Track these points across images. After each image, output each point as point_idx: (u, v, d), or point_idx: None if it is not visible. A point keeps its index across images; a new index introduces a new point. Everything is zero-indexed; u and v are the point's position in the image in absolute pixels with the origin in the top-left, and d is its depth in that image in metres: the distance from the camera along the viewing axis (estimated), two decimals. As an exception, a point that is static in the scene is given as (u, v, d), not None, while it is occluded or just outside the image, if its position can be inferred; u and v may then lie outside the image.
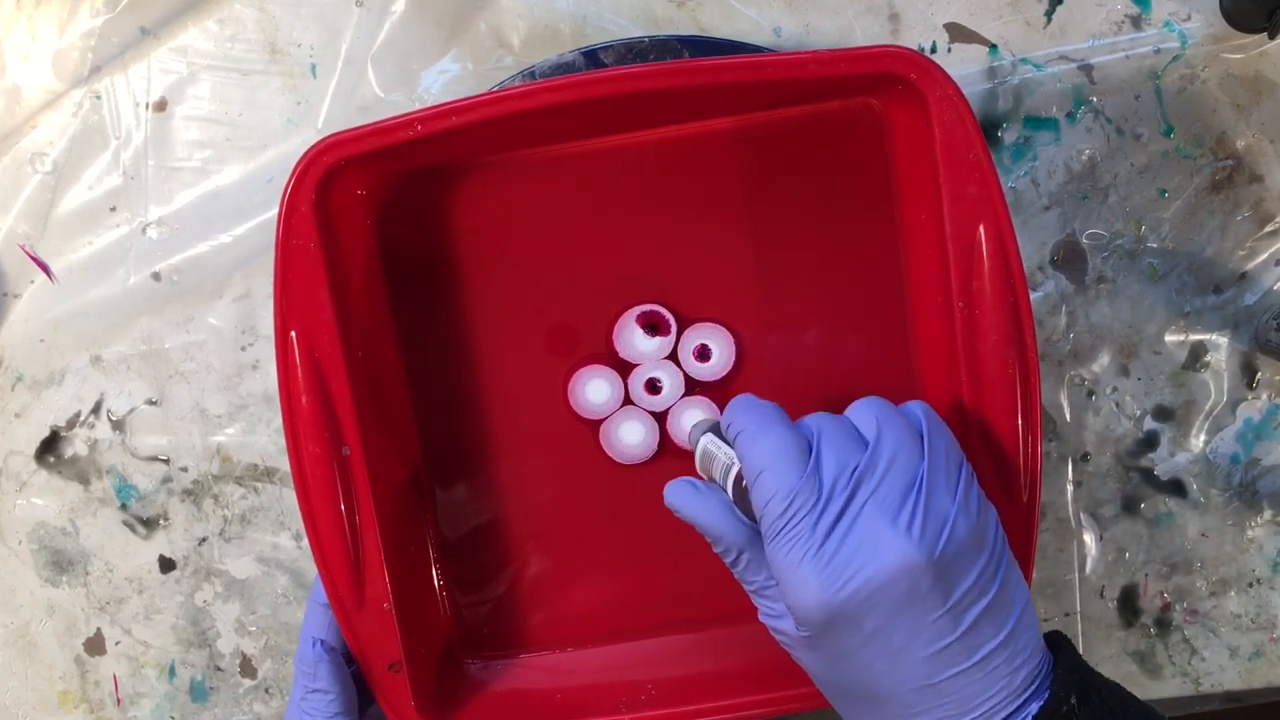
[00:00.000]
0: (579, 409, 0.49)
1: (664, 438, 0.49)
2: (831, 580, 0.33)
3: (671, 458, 0.50)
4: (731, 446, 0.38)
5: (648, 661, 0.49)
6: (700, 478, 0.41)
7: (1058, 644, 0.37)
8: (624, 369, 0.49)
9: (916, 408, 0.37)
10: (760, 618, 0.38)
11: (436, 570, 0.50)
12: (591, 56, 0.49)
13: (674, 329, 0.48)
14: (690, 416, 0.49)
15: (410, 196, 0.47)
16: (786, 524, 0.34)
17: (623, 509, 0.50)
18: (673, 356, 0.49)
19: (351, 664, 0.46)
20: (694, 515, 0.39)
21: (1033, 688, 0.35)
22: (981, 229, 0.41)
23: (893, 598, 0.33)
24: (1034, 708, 0.34)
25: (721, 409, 0.49)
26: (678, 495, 0.40)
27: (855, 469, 0.34)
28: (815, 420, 0.37)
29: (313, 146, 0.41)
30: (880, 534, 0.33)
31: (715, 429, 0.41)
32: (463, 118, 0.41)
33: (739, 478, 0.38)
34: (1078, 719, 0.34)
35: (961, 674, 0.34)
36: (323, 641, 0.44)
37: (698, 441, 0.42)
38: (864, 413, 0.37)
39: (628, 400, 0.49)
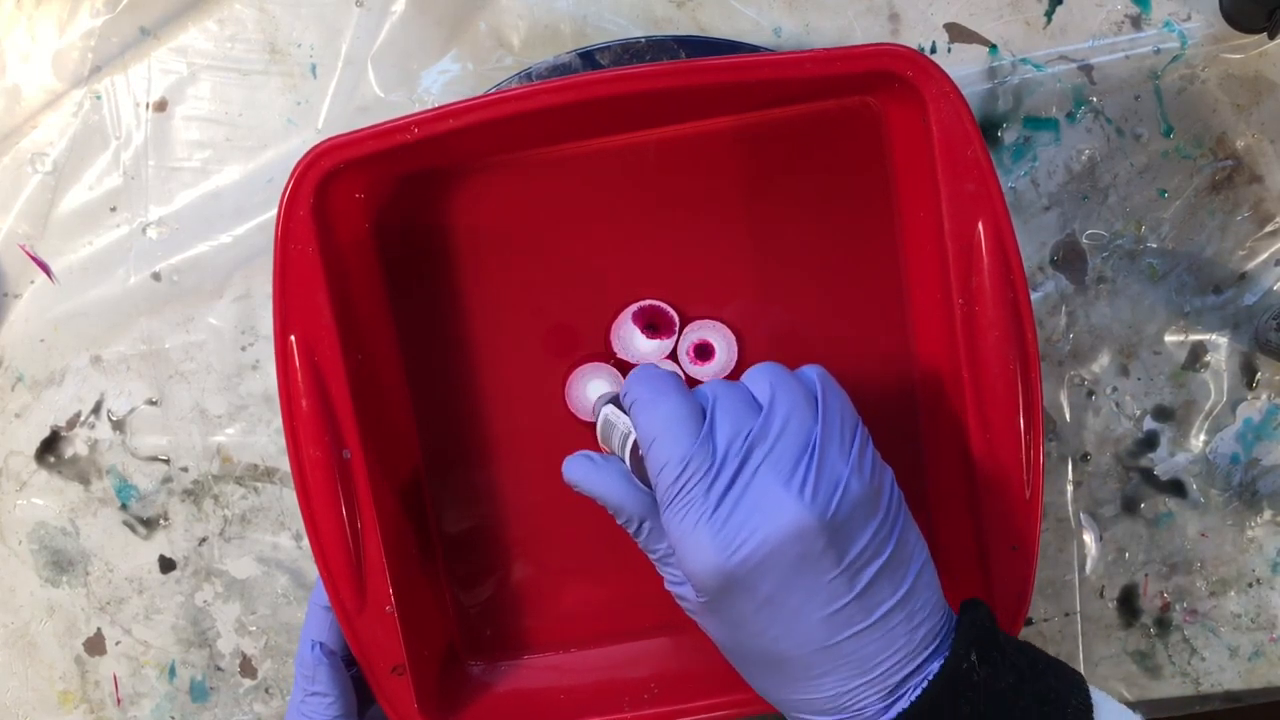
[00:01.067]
0: (577, 411, 0.49)
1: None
2: (725, 545, 0.34)
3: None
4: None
5: (651, 660, 0.49)
6: (602, 450, 0.42)
7: (970, 606, 0.37)
8: (624, 370, 0.49)
9: (811, 371, 0.37)
10: (665, 586, 0.39)
11: (438, 572, 0.50)
12: (588, 58, 0.49)
13: (677, 325, 0.48)
14: (595, 388, 0.49)
15: (408, 199, 0.47)
16: (679, 491, 0.34)
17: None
18: (673, 356, 0.49)
19: (352, 666, 0.46)
20: (592, 488, 0.39)
21: (933, 646, 0.35)
22: (980, 226, 0.41)
23: (787, 560, 0.33)
24: (935, 666, 0.34)
25: None
26: (575, 469, 0.40)
27: (749, 434, 0.35)
28: (710, 388, 0.37)
29: (310, 151, 0.41)
30: (773, 497, 0.34)
31: (616, 400, 0.42)
32: (460, 120, 0.41)
33: (635, 446, 0.39)
34: (978, 675, 0.34)
35: (859, 634, 0.34)
36: (321, 644, 0.44)
37: (599, 412, 0.42)
38: (758, 378, 0.37)
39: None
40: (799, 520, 0.33)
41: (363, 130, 0.41)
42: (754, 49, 0.50)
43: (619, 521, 0.39)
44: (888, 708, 0.34)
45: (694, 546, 0.34)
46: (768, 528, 0.33)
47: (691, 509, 0.34)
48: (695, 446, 0.35)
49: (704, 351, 0.49)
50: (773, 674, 0.36)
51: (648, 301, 0.48)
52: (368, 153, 0.41)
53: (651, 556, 0.39)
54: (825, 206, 0.47)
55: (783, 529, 0.33)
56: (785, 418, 0.35)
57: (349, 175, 0.42)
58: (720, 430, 0.35)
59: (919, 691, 0.34)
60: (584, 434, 0.49)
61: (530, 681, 0.49)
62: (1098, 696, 0.36)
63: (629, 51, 0.50)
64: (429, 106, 0.52)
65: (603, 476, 0.39)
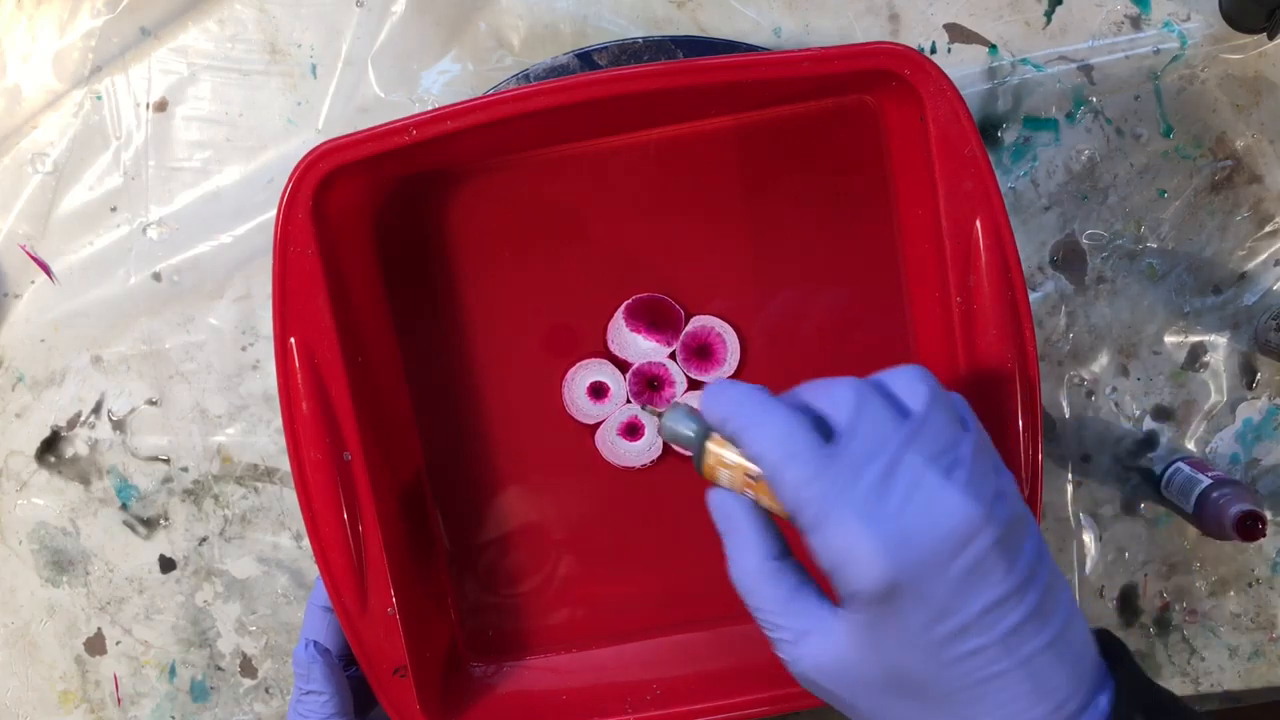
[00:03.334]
0: (573, 411, 0.49)
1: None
2: (895, 541, 0.31)
3: (673, 457, 0.50)
4: (729, 443, 0.36)
5: (652, 661, 0.49)
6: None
7: (1107, 644, 0.35)
8: (622, 367, 0.49)
9: (955, 396, 0.35)
10: (777, 641, 0.35)
11: (440, 573, 0.50)
12: (586, 59, 0.50)
13: (682, 319, 0.48)
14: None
15: (407, 200, 0.47)
16: (823, 504, 0.32)
17: (625, 510, 0.50)
18: (673, 356, 0.49)
19: (351, 666, 0.46)
20: (735, 522, 0.36)
21: (1096, 678, 0.33)
22: (978, 223, 0.41)
23: (960, 559, 0.31)
24: (1103, 702, 0.32)
25: None
26: (716, 501, 0.37)
27: (899, 434, 0.32)
28: (852, 389, 0.34)
29: (308, 153, 0.41)
30: (940, 493, 0.31)
31: (688, 417, 0.38)
32: (459, 122, 0.41)
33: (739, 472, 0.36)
34: None
35: (1036, 654, 0.32)
36: (316, 643, 0.44)
37: (699, 448, 0.37)
38: (912, 382, 0.34)
39: (631, 400, 0.49)
40: (970, 516, 0.31)
41: (361, 132, 0.41)
42: (752, 49, 0.50)
43: (738, 563, 0.35)
44: None
45: (855, 553, 0.31)
46: (943, 521, 0.31)
47: (844, 519, 0.31)
48: (829, 456, 0.32)
49: (705, 351, 0.49)
50: (937, 709, 0.33)
51: (652, 294, 0.48)
52: (366, 155, 0.41)
53: (760, 615, 0.35)
54: (824, 205, 0.47)
55: (959, 524, 0.31)
56: (940, 424, 0.33)
57: (348, 177, 0.42)
58: (863, 430, 0.32)
59: None
60: (584, 434, 0.49)
61: (532, 683, 0.49)
62: None
63: (627, 52, 0.50)
64: (429, 107, 0.53)
65: (739, 514, 0.36)
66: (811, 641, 0.34)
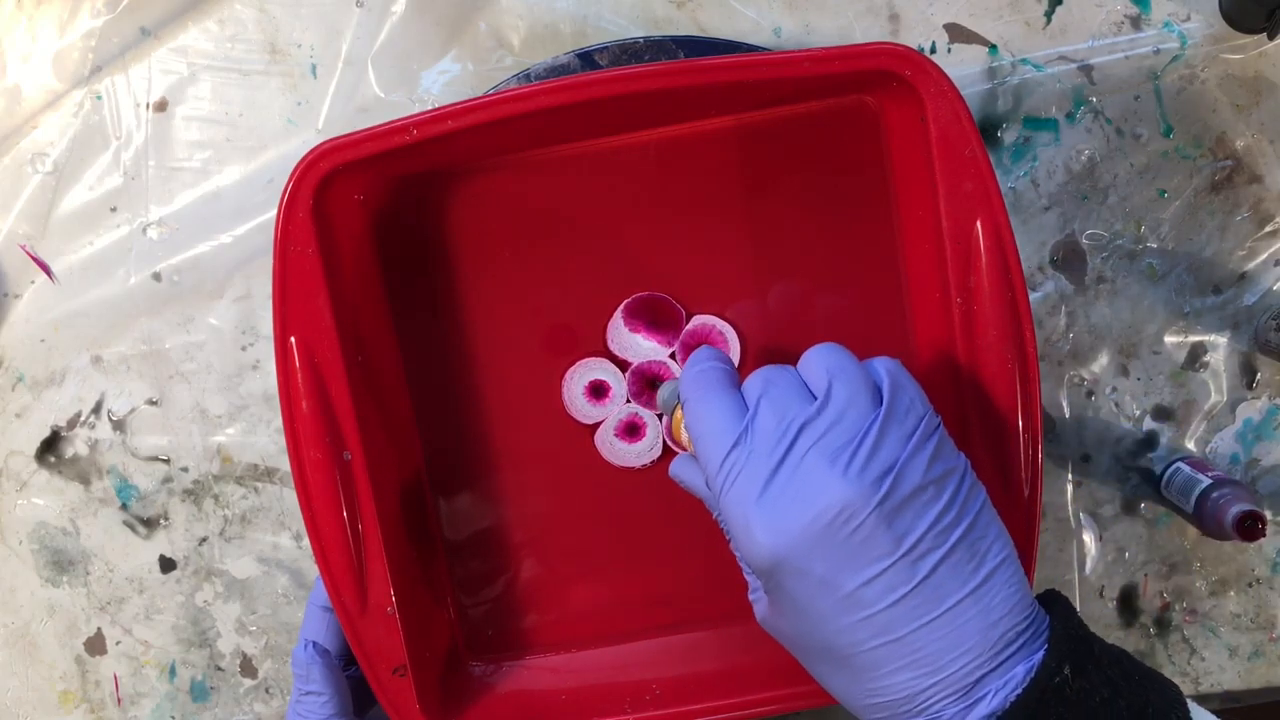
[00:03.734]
0: (572, 411, 0.49)
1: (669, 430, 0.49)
2: (771, 524, 0.33)
3: (671, 459, 0.49)
4: None
5: (652, 661, 0.49)
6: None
7: (1052, 603, 0.36)
8: (622, 367, 0.49)
9: (881, 364, 0.37)
10: (749, 594, 0.39)
11: (440, 573, 0.50)
12: (587, 58, 0.49)
13: (683, 318, 0.48)
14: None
15: (407, 200, 0.47)
16: (725, 481, 0.35)
17: (625, 510, 0.50)
18: (673, 356, 0.49)
19: (351, 666, 0.46)
20: (691, 483, 0.41)
21: (1016, 646, 0.34)
22: (979, 224, 0.41)
23: (836, 540, 0.33)
24: (1019, 670, 0.33)
25: None
26: (676, 466, 0.42)
27: (798, 422, 0.34)
28: (761, 375, 0.37)
29: (308, 153, 0.41)
30: (819, 476, 0.33)
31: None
32: (459, 121, 0.41)
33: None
34: (1071, 689, 0.33)
35: (925, 626, 0.33)
36: (315, 644, 0.44)
37: (670, 406, 0.43)
38: (816, 366, 0.36)
39: (631, 400, 0.49)
40: (844, 497, 0.33)
41: (361, 132, 0.41)
42: (753, 49, 0.50)
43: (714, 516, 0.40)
44: (965, 711, 0.33)
45: (744, 531, 0.34)
46: (813, 505, 0.33)
47: (739, 496, 0.34)
48: (736, 438, 0.35)
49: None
50: (841, 670, 0.35)
51: (649, 292, 0.48)
52: (366, 154, 0.41)
53: (736, 556, 0.39)
54: (824, 205, 0.47)
55: (828, 505, 0.33)
56: (841, 406, 0.35)
57: (348, 177, 0.42)
58: (763, 419, 0.35)
59: (1006, 702, 0.33)
60: (583, 433, 0.49)
61: (532, 683, 0.49)
62: (1196, 712, 0.34)
63: (627, 52, 0.50)
64: (429, 107, 0.53)
65: (691, 473, 0.41)
66: (758, 599, 0.38)
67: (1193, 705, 0.34)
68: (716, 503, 0.36)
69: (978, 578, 0.34)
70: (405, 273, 0.48)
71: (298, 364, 0.42)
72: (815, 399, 0.35)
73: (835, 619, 0.34)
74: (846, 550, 0.33)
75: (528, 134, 0.45)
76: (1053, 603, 0.36)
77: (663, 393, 0.44)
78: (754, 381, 0.37)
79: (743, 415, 0.36)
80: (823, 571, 0.33)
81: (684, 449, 0.42)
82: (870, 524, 0.33)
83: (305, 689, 0.44)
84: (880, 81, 0.42)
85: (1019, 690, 0.33)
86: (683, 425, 0.41)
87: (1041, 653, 0.34)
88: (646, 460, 0.49)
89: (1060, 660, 0.33)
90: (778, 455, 0.34)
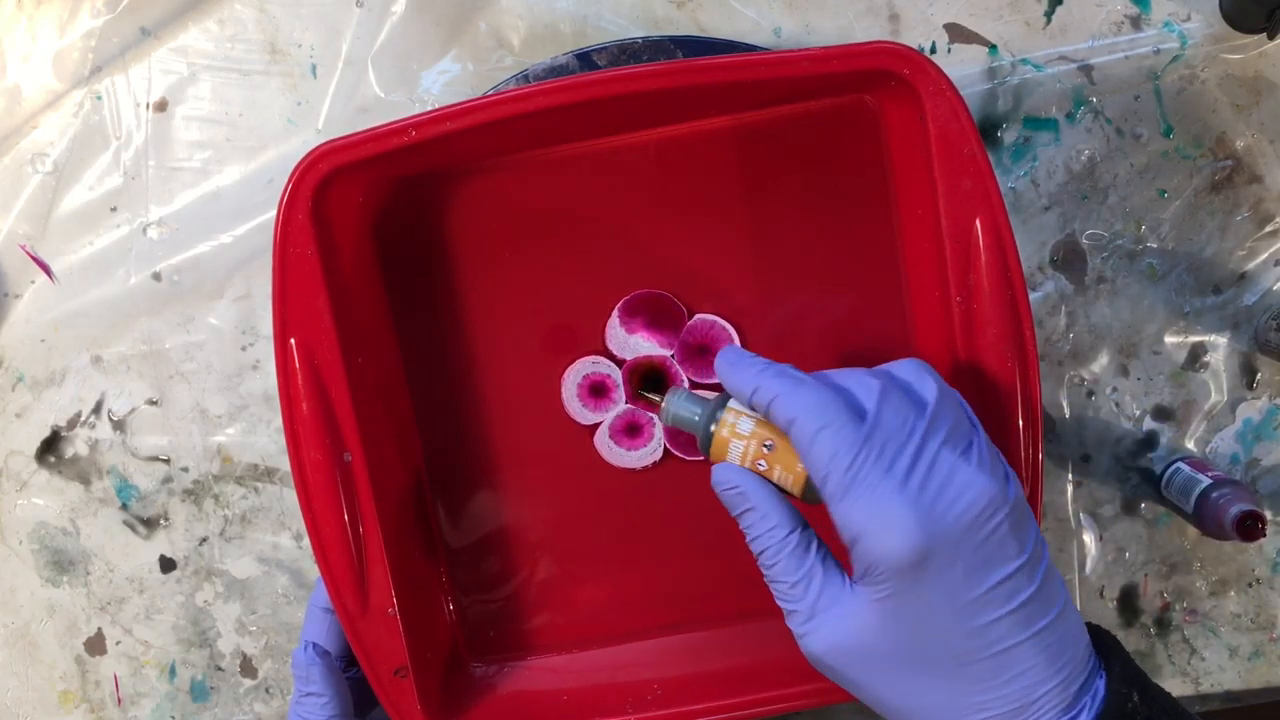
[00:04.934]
0: (573, 414, 0.49)
1: (669, 434, 0.49)
2: (922, 516, 0.33)
3: (673, 459, 0.50)
4: (754, 414, 0.37)
5: (653, 662, 0.49)
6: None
7: (1096, 631, 0.37)
8: (620, 365, 0.49)
9: (954, 391, 0.37)
10: (790, 624, 0.36)
11: (440, 574, 0.50)
12: (586, 59, 0.49)
13: (684, 316, 0.48)
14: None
15: (407, 201, 0.47)
16: (856, 475, 0.33)
17: (625, 510, 0.50)
18: (674, 356, 0.49)
19: (352, 668, 0.46)
20: (752, 498, 0.37)
21: (1093, 661, 0.35)
22: (978, 223, 0.41)
23: (980, 535, 0.33)
24: (1099, 685, 0.34)
25: None
26: (733, 476, 0.38)
27: (922, 421, 0.34)
28: (875, 377, 0.36)
29: (308, 154, 0.41)
30: (960, 472, 0.33)
31: (702, 402, 0.40)
32: (458, 122, 0.41)
33: (753, 450, 0.37)
34: (1140, 716, 0.33)
35: (1045, 629, 0.33)
36: (315, 645, 0.44)
37: (705, 424, 0.39)
38: (921, 375, 0.36)
39: (630, 401, 0.49)
40: (989, 492, 0.33)
41: (360, 133, 0.41)
42: (751, 49, 0.50)
43: (763, 538, 0.37)
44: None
45: (888, 521, 0.33)
46: (963, 497, 0.33)
47: (877, 488, 0.33)
48: (864, 431, 0.34)
49: (706, 350, 0.49)
50: (951, 681, 0.34)
51: (648, 290, 0.48)
52: (366, 156, 0.41)
53: (780, 588, 0.36)
54: (824, 205, 0.48)
55: (977, 498, 0.33)
56: (949, 413, 0.35)
57: (347, 178, 0.42)
58: (888, 417, 0.34)
59: (1094, 716, 0.33)
60: (583, 434, 0.49)
61: (533, 683, 0.49)
62: None
63: (626, 52, 0.50)
64: (429, 107, 0.53)
65: (756, 486, 0.37)
66: (829, 616, 0.35)
67: None
68: (834, 504, 0.34)
69: (1065, 592, 0.35)
70: (405, 273, 0.48)
71: (298, 365, 0.42)
72: (925, 404, 0.35)
73: (969, 619, 0.33)
74: (988, 548, 0.33)
75: (527, 135, 0.45)
76: (1097, 631, 0.37)
77: (678, 406, 0.40)
78: (868, 383, 0.35)
79: (846, 404, 0.35)
80: (965, 568, 0.33)
81: (720, 460, 0.39)
82: (1006, 523, 0.33)
83: (306, 690, 0.44)
84: (879, 81, 0.42)
85: (1097, 709, 0.34)
86: (732, 429, 0.38)
87: (1102, 676, 0.35)
88: (647, 462, 0.49)
89: (1129, 688, 0.34)
90: (911, 450, 0.33)
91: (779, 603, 0.37)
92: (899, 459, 0.33)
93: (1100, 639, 0.36)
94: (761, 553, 0.37)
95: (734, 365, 0.38)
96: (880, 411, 0.34)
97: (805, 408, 0.35)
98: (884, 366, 0.37)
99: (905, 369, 0.36)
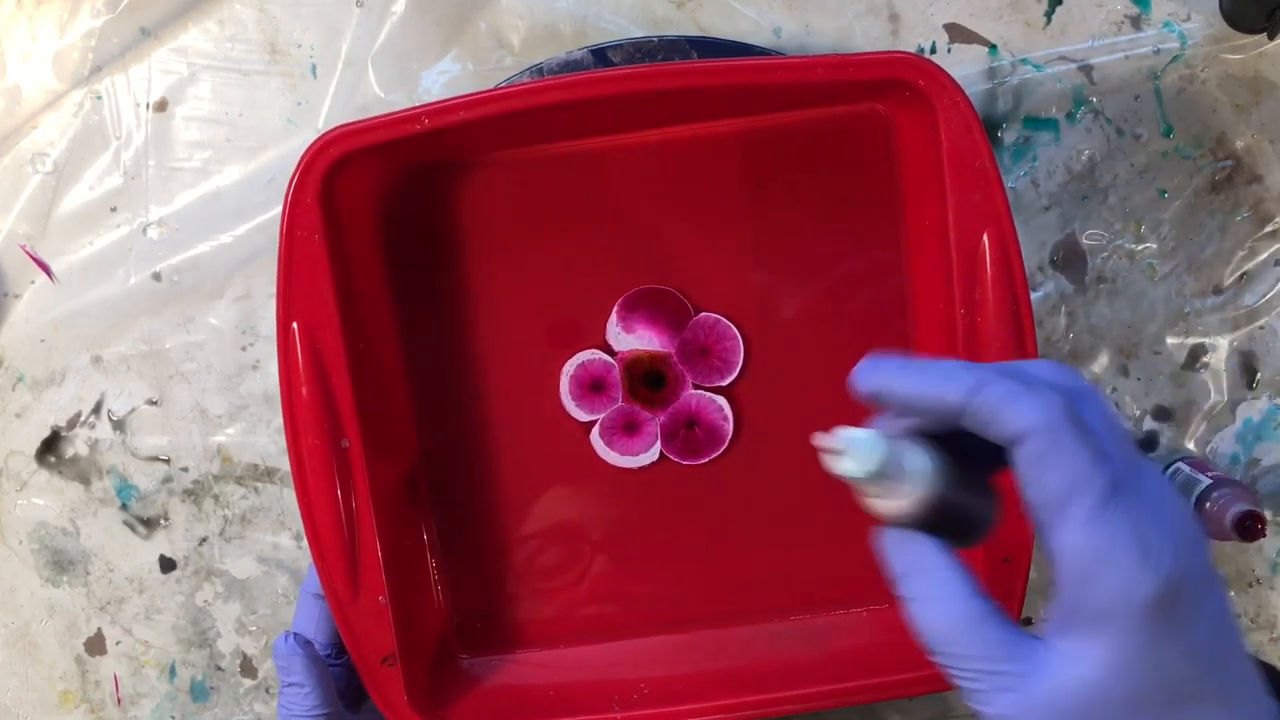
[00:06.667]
0: (572, 410, 0.49)
1: (664, 436, 0.49)
2: (1179, 538, 0.29)
3: (671, 460, 0.50)
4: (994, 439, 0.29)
5: (641, 661, 0.49)
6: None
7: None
8: (620, 364, 0.49)
9: None
10: (998, 697, 0.30)
11: (432, 565, 0.50)
12: (600, 55, 0.49)
13: (690, 312, 0.48)
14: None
15: (415, 191, 0.47)
16: (1102, 493, 0.28)
17: (620, 508, 0.50)
18: (675, 354, 0.49)
19: (343, 656, 0.46)
20: (933, 559, 0.31)
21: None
22: (985, 236, 0.41)
23: (1211, 572, 0.30)
24: None
25: (730, 408, 0.49)
26: (910, 548, 0.31)
27: (1131, 445, 0.30)
28: (1070, 398, 0.30)
29: (319, 137, 0.41)
30: (1181, 509, 0.30)
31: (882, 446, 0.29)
32: (471, 112, 0.41)
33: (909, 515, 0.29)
34: None
35: (1232, 661, 0.31)
36: (297, 635, 0.44)
37: (870, 462, 0.29)
38: (1101, 417, 0.30)
39: (627, 399, 0.49)
40: (1199, 527, 0.30)
41: (373, 119, 0.41)
42: (765, 51, 0.50)
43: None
44: None
45: (1142, 549, 0.28)
46: (1188, 524, 0.29)
47: (1119, 512, 0.28)
48: (1098, 457, 0.29)
49: (708, 350, 0.49)
50: (1219, 710, 0.30)
51: (650, 285, 0.48)
52: (377, 142, 0.41)
53: (984, 671, 0.30)
54: (831, 211, 0.47)
55: (1198, 529, 0.30)
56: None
57: (357, 164, 0.42)
58: (1113, 437, 0.30)
59: None
60: (581, 431, 0.49)
61: (520, 678, 0.49)
62: None
63: (641, 50, 0.49)
64: (429, 107, 0.52)
65: (928, 548, 0.31)
66: (1041, 679, 0.30)
67: None
68: (1058, 530, 0.29)
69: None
70: (409, 262, 0.48)
71: (299, 349, 0.42)
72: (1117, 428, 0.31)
73: (1238, 639, 0.30)
74: (1213, 581, 0.30)
75: (537, 129, 0.45)
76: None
77: (862, 460, 0.28)
78: (1090, 410, 0.30)
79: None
80: (1211, 609, 0.29)
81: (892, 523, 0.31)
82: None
83: (288, 680, 0.44)
84: (893, 90, 0.42)
85: None
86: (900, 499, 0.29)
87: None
88: (644, 463, 0.49)
89: None
90: (1143, 479, 0.29)
91: (969, 684, 0.31)
92: (1139, 483, 0.29)
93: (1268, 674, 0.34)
94: (940, 630, 0.30)
95: (928, 376, 0.30)
96: (1104, 433, 0.29)
97: (1035, 416, 0.29)
98: (1037, 372, 0.31)
99: (1098, 411, 0.31)
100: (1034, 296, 0.53)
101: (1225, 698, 0.30)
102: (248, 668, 0.57)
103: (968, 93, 0.41)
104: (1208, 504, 0.50)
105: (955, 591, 0.30)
